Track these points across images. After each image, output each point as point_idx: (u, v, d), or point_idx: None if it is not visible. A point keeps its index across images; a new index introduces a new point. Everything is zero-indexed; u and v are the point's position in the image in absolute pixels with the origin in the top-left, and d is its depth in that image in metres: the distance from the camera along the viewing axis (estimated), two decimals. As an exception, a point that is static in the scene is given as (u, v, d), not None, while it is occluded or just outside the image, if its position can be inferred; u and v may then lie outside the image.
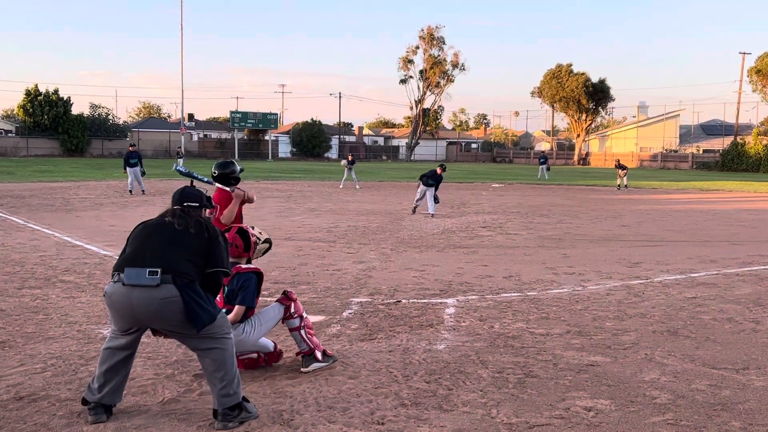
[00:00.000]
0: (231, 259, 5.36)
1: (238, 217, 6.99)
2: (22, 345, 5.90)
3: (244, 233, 5.44)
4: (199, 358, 4.33)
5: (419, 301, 7.92)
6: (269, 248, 5.85)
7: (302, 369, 5.28)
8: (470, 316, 7.19)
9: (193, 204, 4.49)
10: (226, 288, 5.27)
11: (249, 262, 5.47)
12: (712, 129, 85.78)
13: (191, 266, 4.18)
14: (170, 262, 4.12)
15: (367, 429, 4.24)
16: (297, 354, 5.44)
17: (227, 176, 7.03)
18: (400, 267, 10.21)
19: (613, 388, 5.07)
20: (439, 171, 18.74)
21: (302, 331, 5.33)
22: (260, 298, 5.42)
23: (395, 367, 5.45)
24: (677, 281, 9.37)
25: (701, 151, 76.62)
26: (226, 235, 5.43)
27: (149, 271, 4.07)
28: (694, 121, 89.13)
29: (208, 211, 4.67)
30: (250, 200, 7.12)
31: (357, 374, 5.28)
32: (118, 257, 4.41)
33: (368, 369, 5.41)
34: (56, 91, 65.57)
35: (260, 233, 5.73)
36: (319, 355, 5.35)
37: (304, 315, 5.43)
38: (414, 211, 18.68)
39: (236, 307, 5.15)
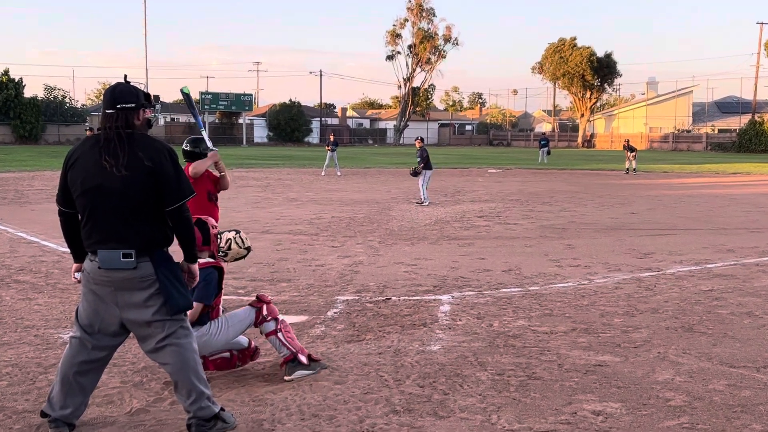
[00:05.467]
0: None
1: (213, 209, 6.95)
2: (-26, 352, 5.86)
3: (203, 225, 5.23)
4: (162, 364, 4.28)
5: (411, 298, 7.94)
6: (245, 256, 5.83)
7: (285, 377, 5.20)
8: (467, 314, 7.21)
9: (128, 105, 4.08)
10: None
11: (212, 256, 5.30)
12: (727, 106, 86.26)
13: (156, 224, 4.09)
14: (137, 234, 4.03)
15: (356, 438, 4.24)
16: (281, 365, 5.31)
17: (198, 154, 7.12)
18: (389, 261, 10.23)
19: (623, 390, 5.10)
20: (418, 144, 19.28)
21: (279, 335, 5.26)
22: (236, 298, 5.38)
23: (386, 371, 5.46)
24: (692, 273, 9.43)
25: (716, 131, 77.06)
26: None
27: (123, 254, 4.02)
28: (709, 98, 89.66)
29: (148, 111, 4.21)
30: (224, 186, 7.17)
31: (344, 379, 5.28)
32: (61, 203, 4.35)
33: (356, 373, 5.41)
34: (6, 72, 64.88)
35: (245, 239, 5.72)
36: (303, 359, 5.27)
37: (280, 317, 5.38)
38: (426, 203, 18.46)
39: (194, 304, 5.05)
